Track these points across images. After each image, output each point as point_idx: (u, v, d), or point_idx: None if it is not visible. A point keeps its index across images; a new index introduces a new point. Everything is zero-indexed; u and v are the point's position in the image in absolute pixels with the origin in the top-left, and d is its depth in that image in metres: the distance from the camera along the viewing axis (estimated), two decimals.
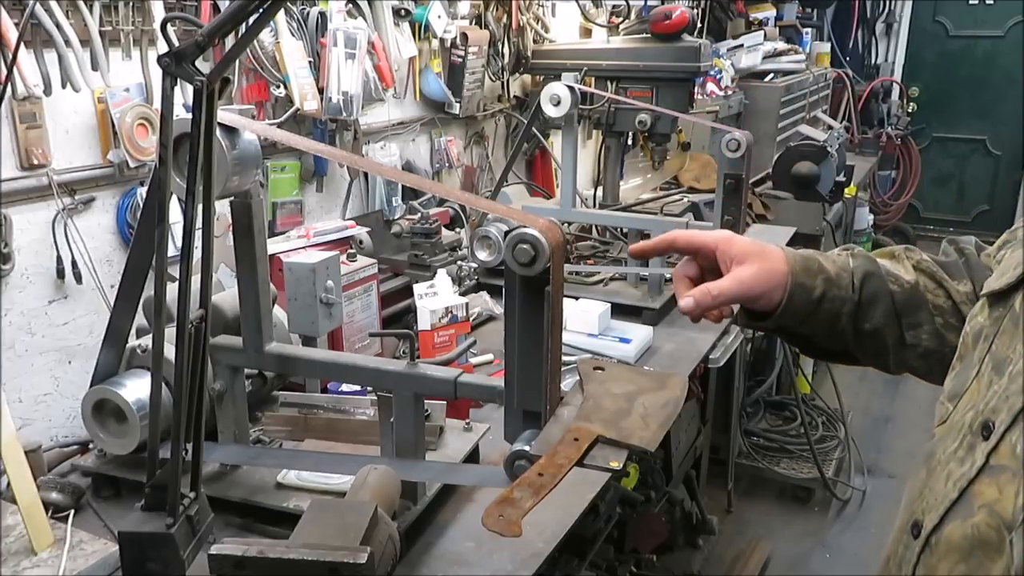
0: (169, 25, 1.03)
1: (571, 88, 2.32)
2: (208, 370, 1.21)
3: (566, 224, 2.64)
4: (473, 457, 1.51)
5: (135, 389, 1.36)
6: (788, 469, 3.73)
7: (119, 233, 1.78)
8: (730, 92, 3.65)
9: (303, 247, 1.93)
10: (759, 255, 1.03)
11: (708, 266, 1.07)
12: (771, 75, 4.09)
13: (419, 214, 2.27)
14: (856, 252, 1.09)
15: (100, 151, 1.73)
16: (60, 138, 1.66)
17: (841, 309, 1.04)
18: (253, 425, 1.52)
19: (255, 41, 1.88)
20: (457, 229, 2.44)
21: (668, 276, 2.40)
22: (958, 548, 0.79)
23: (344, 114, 2.14)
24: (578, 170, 2.50)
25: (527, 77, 3.09)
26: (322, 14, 2.08)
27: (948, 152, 7.31)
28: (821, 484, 3.67)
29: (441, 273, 2.10)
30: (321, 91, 2.08)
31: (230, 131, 1.19)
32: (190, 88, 1.00)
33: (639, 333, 2.11)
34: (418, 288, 2.00)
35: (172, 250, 1.38)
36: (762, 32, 4.20)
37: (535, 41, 2.95)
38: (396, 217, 2.39)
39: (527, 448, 1.08)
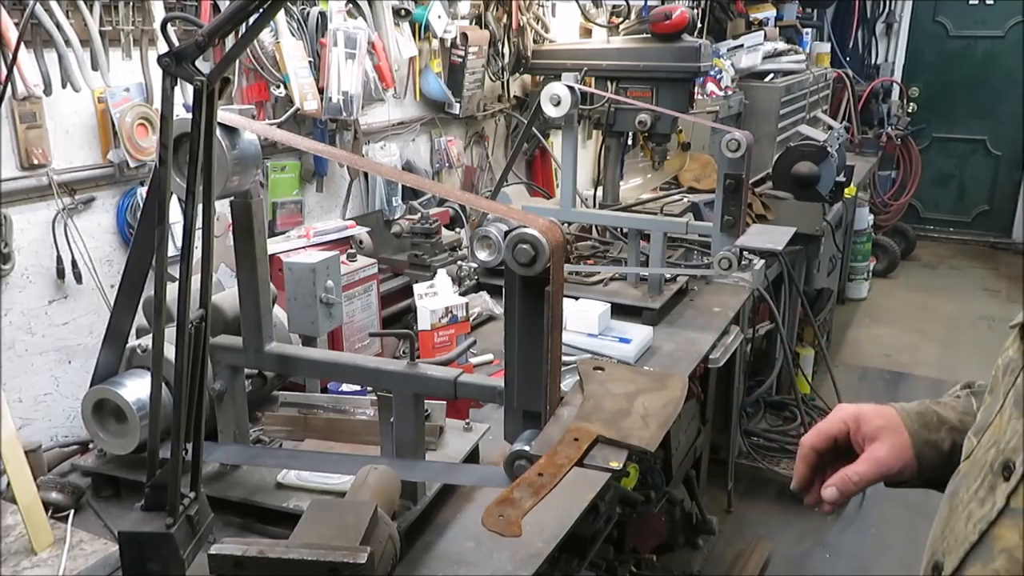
0: (169, 25, 1.04)
1: (571, 88, 2.32)
2: (208, 370, 1.22)
3: (566, 224, 2.64)
4: (473, 457, 1.51)
5: (135, 389, 1.36)
6: (788, 469, 3.72)
7: (119, 233, 1.78)
8: (730, 92, 3.64)
9: (303, 247, 1.93)
10: (889, 429, 1.03)
11: (843, 445, 1.06)
12: (771, 75, 4.08)
13: (419, 214, 2.27)
14: (976, 389, 1.07)
15: (100, 151, 1.73)
16: (60, 138, 1.66)
17: None
18: (253, 425, 1.52)
19: (255, 41, 1.88)
20: (457, 229, 2.44)
21: (668, 276, 2.41)
22: None
23: (344, 114, 2.14)
24: (578, 170, 2.50)
25: (527, 77, 3.09)
26: (322, 14, 2.08)
27: (948, 152, 7.32)
28: None
29: (441, 273, 2.10)
30: (321, 91, 2.08)
31: (230, 131, 1.19)
32: (190, 88, 1.00)
33: (639, 333, 2.11)
34: (418, 288, 2.00)
35: (172, 250, 1.38)
36: (762, 32, 4.19)
37: (535, 41, 2.95)
38: (396, 217, 2.39)
39: (527, 448, 1.08)
